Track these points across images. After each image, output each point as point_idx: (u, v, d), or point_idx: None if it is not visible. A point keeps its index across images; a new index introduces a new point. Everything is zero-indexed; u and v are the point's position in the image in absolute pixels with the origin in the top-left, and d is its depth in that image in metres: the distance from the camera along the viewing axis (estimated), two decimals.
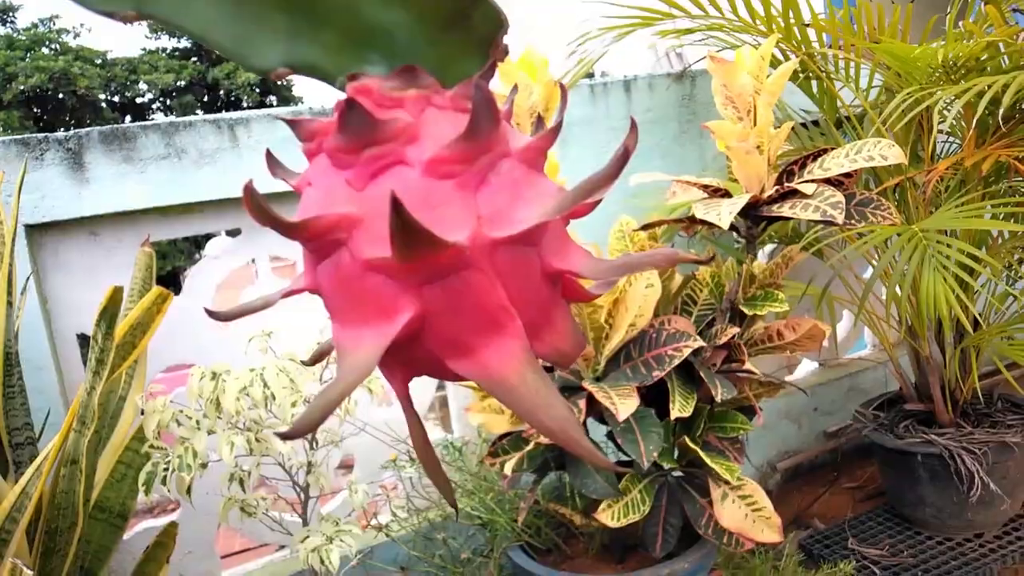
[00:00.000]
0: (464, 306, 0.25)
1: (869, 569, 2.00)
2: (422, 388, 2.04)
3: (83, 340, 1.76)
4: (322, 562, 1.25)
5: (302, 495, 1.38)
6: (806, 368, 2.74)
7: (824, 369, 2.70)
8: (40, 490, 1.12)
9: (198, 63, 22.14)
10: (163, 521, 1.84)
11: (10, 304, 1.22)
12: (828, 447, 2.61)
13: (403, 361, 0.27)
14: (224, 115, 1.80)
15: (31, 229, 1.65)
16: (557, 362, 0.29)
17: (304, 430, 0.23)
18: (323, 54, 0.27)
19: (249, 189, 0.24)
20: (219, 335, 1.82)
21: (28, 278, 1.51)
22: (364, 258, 0.25)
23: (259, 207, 0.24)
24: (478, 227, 0.25)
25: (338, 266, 0.26)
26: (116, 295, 0.97)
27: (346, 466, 2.17)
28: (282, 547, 1.94)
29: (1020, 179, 1.64)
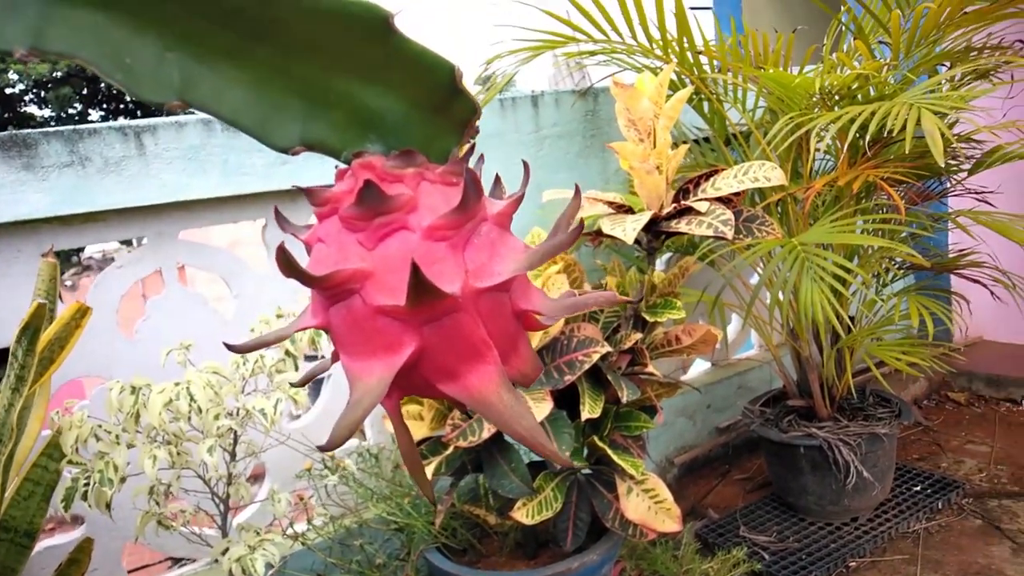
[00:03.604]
0: (454, 340, 0.32)
1: (759, 554, 2.16)
2: (334, 398, 2.06)
3: None
4: (244, 571, 1.27)
5: (221, 507, 1.39)
6: (699, 368, 2.91)
7: (716, 369, 2.88)
8: None
9: None
10: (63, 539, 1.79)
11: None
12: (720, 442, 2.79)
13: (401, 385, 0.33)
14: (131, 123, 1.77)
15: None
16: (521, 382, 0.36)
17: (338, 444, 0.29)
18: (331, 133, 0.33)
19: (282, 249, 0.29)
20: (122, 347, 1.78)
21: None
22: (376, 304, 0.31)
23: (289, 264, 0.30)
24: (467, 279, 0.31)
25: (350, 309, 0.32)
26: (40, 311, 0.97)
27: (255, 476, 2.16)
28: (179, 560, 1.92)
29: (886, 197, 1.83)
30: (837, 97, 1.82)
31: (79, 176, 1.70)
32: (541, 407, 1.36)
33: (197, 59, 0.30)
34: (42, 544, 1.72)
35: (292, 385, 1.03)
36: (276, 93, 0.32)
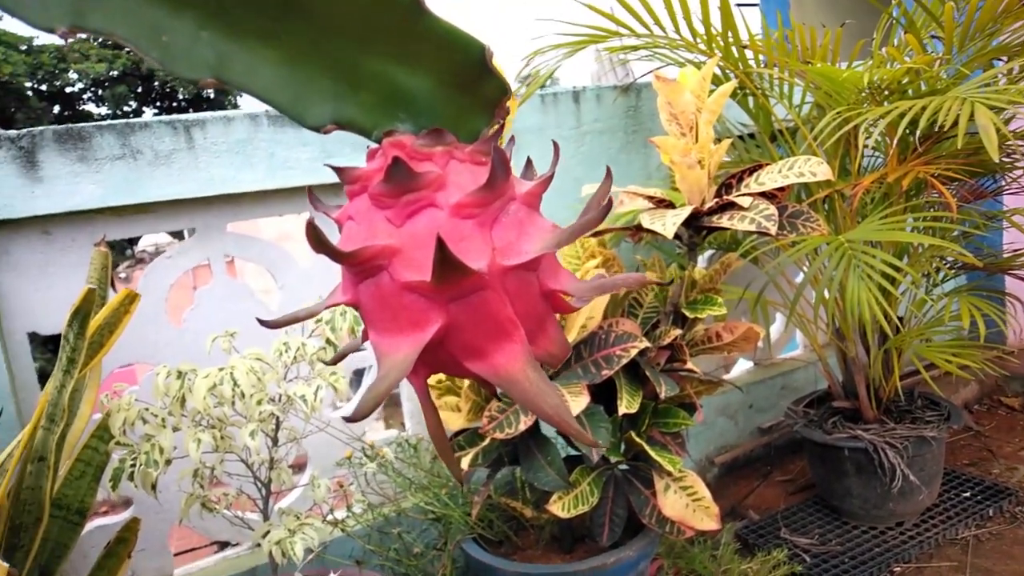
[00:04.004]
0: (481, 318, 0.32)
1: (800, 557, 2.13)
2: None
3: (32, 339, 1.75)
4: (284, 555, 1.29)
5: (263, 491, 1.42)
6: (742, 367, 2.88)
7: (759, 368, 2.84)
8: (4, 487, 1.14)
9: (132, 52, 21.42)
10: (113, 519, 1.84)
11: None
12: (762, 442, 2.75)
13: (428, 362, 0.34)
14: (180, 116, 1.82)
15: None
16: (548, 362, 0.36)
17: (364, 415, 0.30)
18: (361, 112, 0.34)
19: (311, 224, 0.30)
20: (171, 334, 1.83)
21: None
22: (403, 280, 0.31)
23: (319, 239, 0.30)
24: (493, 257, 0.32)
25: (379, 286, 0.32)
26: (90, 296, 1.00)
27: (296, 465, 2.19)
28: (226, 545, 1.97)
29: (937, 195, 1.78)
30: (886, 92, 1.78)
31: (131, 168, 1.74)
32: (578, 401, 1.36)
33: (230, 38, 0.31)
34: (93, 524, 1.78)
35: (325, 363, 1.05)
36: (308, 72, 0.32)
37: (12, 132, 1.67)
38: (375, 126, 0.34)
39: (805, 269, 2.12)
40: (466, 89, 0.34)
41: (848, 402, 2.27)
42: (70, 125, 1.71)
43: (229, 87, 0.32)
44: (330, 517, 1.74)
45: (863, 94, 1.74)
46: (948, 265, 2.32)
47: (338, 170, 0.33)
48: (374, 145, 0.35)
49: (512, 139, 0.41)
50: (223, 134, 1.83)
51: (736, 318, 2.40)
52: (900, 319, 2.16)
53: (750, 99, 2.09)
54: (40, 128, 1.68)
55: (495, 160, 0.31)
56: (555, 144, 0.38)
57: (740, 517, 2.45)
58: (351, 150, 1.92)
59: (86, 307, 0.99)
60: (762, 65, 2.02)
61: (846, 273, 1.63)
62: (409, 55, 0.33)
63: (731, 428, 2.71)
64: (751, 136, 2.29)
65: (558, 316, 0.40)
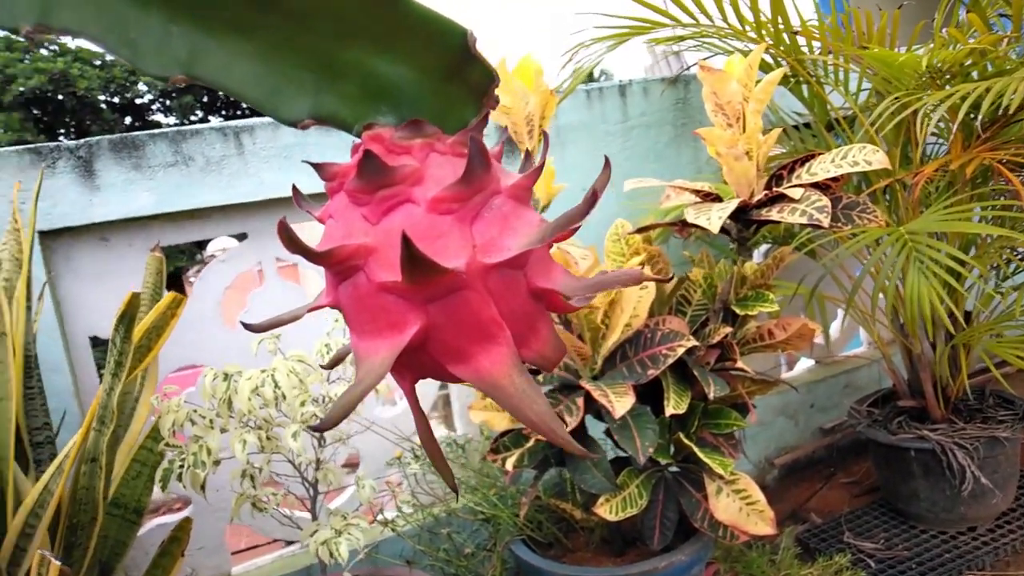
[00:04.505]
0: (462, 320, 0.30)
1: (864, 562, 2.05)
2: (426, 387, 2.09)
3: (95, 342, 1.81)
4: (331, 555, 1.30)
5: (311, 491, 1.43)
6: (803, 365, 2.79)
7: (820, 367, 2.74)
8: (62, 487, 1.17)
9: None
10: (173, 518, 1.89)
11: (29, 308, 1.27)
12: (824, 443, 2.66)
13: (411, 366, 0.32)
14: (230, 123, 1.85)
15: (44, 235, 1.70)
16: (542, 365, 0.34)
17: (333, 423, 0.28)
18: (342, 105, 0.32)
19: (283, 224, 0.29)
20: (226, 337, 1.87)
21: (44, 283, 1.56)
22: (378, 281, 0.30)
23: (291, 239, 0.29)
24: (473, 254, 0.30)
25: (356, 287, 0.31)
26: (134, 300, 1.02)
27: (350, 464, 2.22)
28: (289, 543, 1.99)
29: (1005, 182, 1.68)
30: (948, 76, 1.69)
31: (183, 175, 1.79)
32: (623, 401, 1.33)
33: (204, 32, 0.30)
34: (154, 522, 1.83)
35: (321, 367, 1.05)
36: (285, 65, 0.31)
37: (71, 143, 1.72)
38: (356, 119, 0.32)
39: (865, 262, 2.03)
40: (450, 77, 0.33)
41: (914, 401, 2.17)
42: (124, 134, 1.76)
43: (201, 84, 0.31)
44: (381, 517, 1.75)
45: (923, 78, 1.66)
46: (1020, 256, 2.19)
47: (316, 166, 0.32)
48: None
49: (545, 136, 0.39)
50: (271, 139, 1.86)
51: (793, 314, 2.33)
52: (968, 314, 2.06)
53: (804, 87, 2.02)
54: (96, 138, 1.73)
55: (472, 152, 0.29)
56: (544, 135, 0.36)
57: (801, 520, 2.37)
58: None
59: (131, 311, 1.01)
60: (815, 52, 1.94)
61: (907, 266, 1.56)
62: (388, 44, 0.31)
63: (791, 428, 2.63)
64: (807, 126, 2.21)
65: (559, 315, 0.38)
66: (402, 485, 1.71)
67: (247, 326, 0.34)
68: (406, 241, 0.26)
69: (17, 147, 1.67)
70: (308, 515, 1.67)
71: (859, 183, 2.03)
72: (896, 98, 1.57)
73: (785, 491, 2.55)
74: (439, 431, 2.15)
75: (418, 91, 0.32)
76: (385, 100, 0.32)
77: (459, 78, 0.33)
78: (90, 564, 1.28)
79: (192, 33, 0.30)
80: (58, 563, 0.92)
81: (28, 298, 1.29)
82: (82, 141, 1.73)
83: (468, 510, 1.82)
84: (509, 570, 1.79)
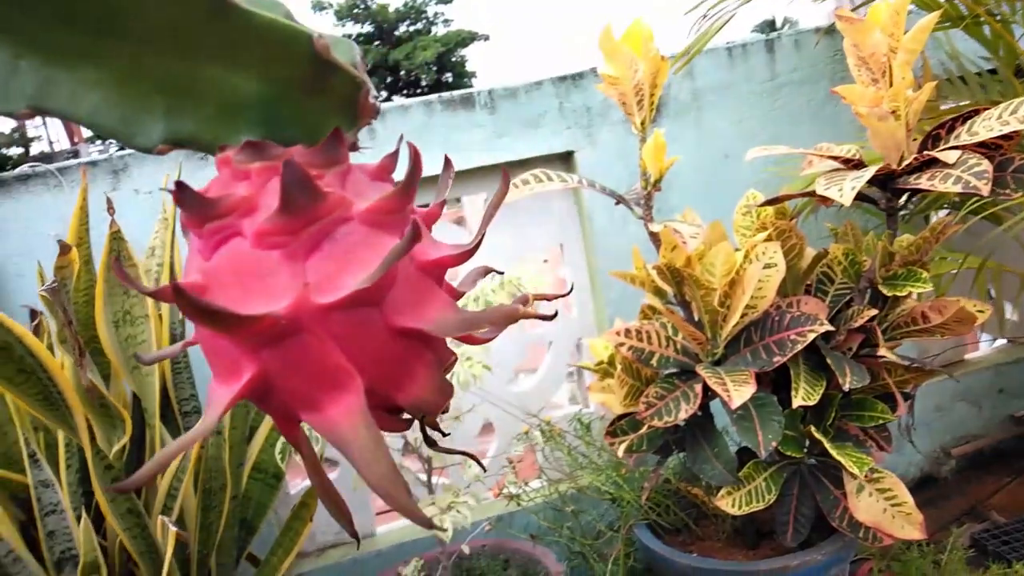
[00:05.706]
0: (303, 366, 0.27)
1: None
2: (559, 355, 2.08)
3: None
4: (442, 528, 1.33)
5: (426, 466, 1.47)
6: (995, 344, 2.47)
7: (1013, 346, 2.41)
8: (196, 453, 1.28)
9: (380, 47, 23.42)
10: (309, 483, 2.02)
11: None
12: (1015, 433, 2.35)
13: (276, 412, 0.29)
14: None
15: None
16: (423, 410, 0.30)
17: (139, 484, 0.27)
18: (201, 127, 0.30)
19: (116, 261, 0.27)
20: None
21: None
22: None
23: (126, 278, 0.27)
24: (305, 294, 0.26)
25: (198, 328, 0.28)
26: None
27: (487, 434, 2.25)
28: None
29: None
30: None
31: None
32: (742, 390, 1.23)
33: (52, 63, 0.29)
34: (300, 487, 1.97)
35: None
36: (136, 90, 0.29)
37: None
38: (217, 140, 0.30)
39: None
40: (310, 89, 0.29)
41: None
42: None
43: (50, 115, 0.29)
44: (505, 491, 1.76)
45: None
46: None
47: (176, 190, 0.30)
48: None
49: (414, 188, 0.35)
50: (402, 122, 1.89)
51: (966, 293, 2.06)
52: None
53: (985, 28, 1.74)
54: None
55: (285, 179, 0.26)
56: (447, 159, 0.32)
57: (980, 519, 2.12)
58: (520, 128, 1.90)
59: None
60: None
61: None
62: (232, 59, 0.28)
63: (974, 415, 2.34)
64: (992, 71, 1.91)
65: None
66: (523, 461, 1.71)
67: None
68: (178, 290, 0.23)
69: None
70: (444, 481, 1.71)
71: None
72: None
73: (964, 484, 2.28)
74: (568, 408, 2.13)
75: (274, 106, 0.29)
76: (243, 119, 0.30)
77: (321, 89, 0.29)
78: (227, 522, 1.39)
79: (41, 65, 0.29)
80: (174, 528, 1.00)
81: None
82: None
83: (595, 489, 1.79)
84: (635, 553, 1.75)
